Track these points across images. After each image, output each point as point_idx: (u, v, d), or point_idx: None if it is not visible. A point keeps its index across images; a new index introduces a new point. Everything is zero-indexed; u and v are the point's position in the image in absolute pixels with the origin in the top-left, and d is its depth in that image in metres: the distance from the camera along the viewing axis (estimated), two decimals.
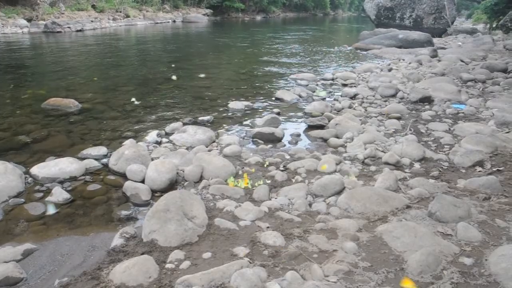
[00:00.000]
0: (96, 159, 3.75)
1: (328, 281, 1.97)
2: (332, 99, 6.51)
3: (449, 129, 4.79)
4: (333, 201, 2.94)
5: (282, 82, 8.00)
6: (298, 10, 52.86)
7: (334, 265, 2.09)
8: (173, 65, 9.46)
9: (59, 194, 3.06)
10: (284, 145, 4.39)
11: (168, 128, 4.67)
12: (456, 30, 20.66)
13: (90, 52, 12.09)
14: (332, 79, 8.06)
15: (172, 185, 3.24)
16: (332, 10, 65.46)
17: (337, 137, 4.50)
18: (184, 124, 4.81)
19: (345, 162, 3.76)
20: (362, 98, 6.37)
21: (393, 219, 2.60)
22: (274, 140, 4.44)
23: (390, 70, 9.21)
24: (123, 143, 4.08)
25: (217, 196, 3.02)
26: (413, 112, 5.61)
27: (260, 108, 5.92)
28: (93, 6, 23.49)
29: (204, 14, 32.97)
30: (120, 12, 24.68)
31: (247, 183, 3.22)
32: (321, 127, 4.86)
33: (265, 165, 3.65)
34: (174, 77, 7.70)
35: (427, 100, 6.10)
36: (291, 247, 2.28)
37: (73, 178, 3.39)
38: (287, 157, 3.90)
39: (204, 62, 10.47)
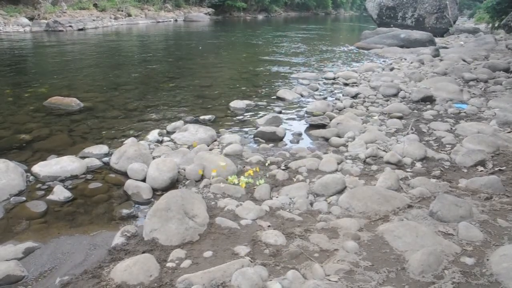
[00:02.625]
0: (97, 158, 3.75)
1: (329, 280, 1.96)
2: (333, 98, 6.51)
3: (451, 128, 4.77)
4: (334, 200, 2.94)
5: (283, 81, 8.00)
6: (300, 9, 52.76)
7: (335, 264, 2.09)
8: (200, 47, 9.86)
9: (60, 192, 3.06)
10: (286, 144, 4.38)
11: (169, 127, 4.67)
12: (458, 29, 20.60)
13: (91, 51, 12.10)
14: (334, 79, 8.05)
15: (173, 184, 3.24)
16: (334, 9, 65.30)
17: (339, 136, 4.50)
18: (186, 123, 4.81)
19: (347, 161, 3.75)
20: (363, 98, 6.36)
21: (395, 218, 2.59)
22: (275, 139, 4.44)
23: (392, 69, 9.20)
24: (125, 142, 4.08)
25: (218, 195, 3.02)
26: (415, 111, 5.60)
27: (261, 107, 5.91)
28: (95, 5, 23.49)
29: (205, 13, 32.93)
30: (122, 11, 24.67)
31: (245, 183, 3.21)
32: (323, 126, 4.86)
33: (267, 164, 3.65)
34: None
35: (429, 99, 6.09)
36: (292, 246, 2.27)
37: (74, 177, 3.39)
38: (288, 156, 3.89)
39: (206, 61, 10.47)
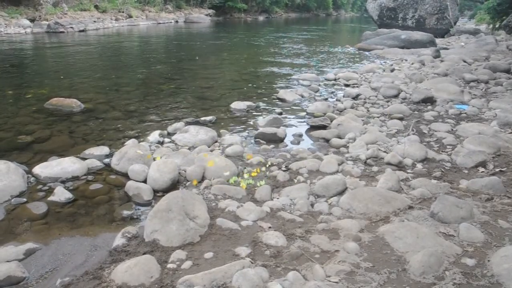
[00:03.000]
0: (98, 159, 3.76)
1: (330, 281, 1.96)
2: (334, 99, 6.51)
3: (452, 129, 4.77)
4: (335, 201, 2.94)
5: (284, 82, 8.00)
6: (300, 10, 52.82)
7: (336, 266, 2.09)
8: (197, 57, 10.56)
9: (61, 193, 3.06)
10: (286, 145, 4.38)
11: (170, 128, 4.68)
12: (459, 30, 20.60)
13: (92, 52, 12.12)
14: (335, 79, 8.06)
15: (174, 185, 3.24)
16: (335, 11, 65.39)
17: (339, 137, 4.49)
18: (186, 124, 4.81)
19: (347, 162, 3.75)
20: (364, 99, 6.36)
21: (395, 219, 2.59)
22: (276, 140, 4.44)
23: (392, 70, 9.20)
24: (125, 143, 4.09)
25: (219, 196, 3.02)
26: (416, 112, 5.60)
27: (262, 108, 5.92)
28: (96, 7, 23.54)
29: (206, 15, 32.98)
30: (123, 12, 24.71)
31: (246, 184, 3.21)
32: (323, 127, 4.86)
33: (267, 165, 3.65)
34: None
35: (429, 100, 6.09)
36: (293, 247, 2.27)
37: (75, 178, 3.39)
38: (289, 157, 3.90)
39: (207, 62, 10.48)
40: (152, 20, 26.52)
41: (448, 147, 4.17)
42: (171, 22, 28.17)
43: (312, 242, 2.34)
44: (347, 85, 7.60)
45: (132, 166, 3.42)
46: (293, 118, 5.46)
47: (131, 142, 4.11)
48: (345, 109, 5.72)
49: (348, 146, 4.20)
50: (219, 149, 4.08)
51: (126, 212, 2.90)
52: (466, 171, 3.53)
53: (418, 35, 14.16)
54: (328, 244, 2.31)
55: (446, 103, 5.98)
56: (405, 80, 7.71)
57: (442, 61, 10.30)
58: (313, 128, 4.91)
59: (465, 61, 10.03)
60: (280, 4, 45.81)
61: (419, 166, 3.63)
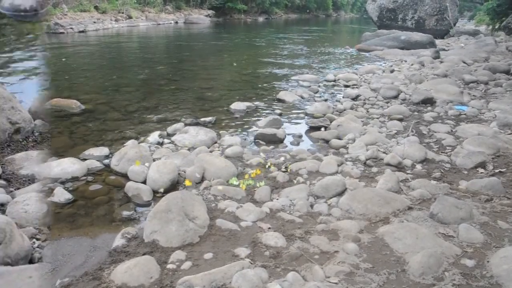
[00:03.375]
0: (98, 160, 3.75)
1: (330, 282, 1.96)
2: (334, 100, 6.52)
3: (451, 130, 4.78)
4: (335, 202, 2.94)
5: (284, 83, 8.00)
6: (300, 11, 52.83)
7: (336, 266, 2.09)
8: (234, 64, 10.50)
9: (61, 194, 3.06)
10: (286, 146, 4.39)
11: (170, 129, 4.68)
12: (459, 31, 20.63)
13: (92, 53, 12.11)
14: (334, 80, 8.06)
15: (173, 186, 3.25)
16: (335, 12, 65.37)
17: (339, 138, 4.50)
18: (186, 125, 4.81)
19: (347, 163, 3.75)
20: (364, 100, 6.36)
21: (395, 220, 2.60)
22: (276, 141, 4.44)
23: (392, 71, 9.20)
24: (125, 144, 4.09)
25: (219, 197, 3.02)
26: (415, 113, 5.60)
27: (262, 109, 5.92)
28: (96, 7, 23.53)
29: (206, 15, 32.96)
30: (123, 13, 24.70)
31: (245, 185, 3.21)
32: (323, 128, 4.86)
33: (267, 166, 3.65)
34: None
35: (429, 101, 6.09)
36: (293, 248, 2.27)
37: (75, 179, 3.39)
38: (289, 158, 3.90)
39: (206, 63, 10.48)
40: (152, 21, 26.50)
41: (447, 148, 4.18)
42: (170, 23, 28.15)
43: (312, 243, 2.34)
44: (346, 86, 7.60)
45: (132, 166, 3.42)
46: (293, 119, 5.47)
47: (130, 142, 4.12)
48: (344, 110, 5.72)
49: (347, 147, 4.21)
50: (219, 150, 4.09)
51: (125, 213, 2.90)
52: (465, 172, 3.53)
53: (417, 36, 14.17)
54: (327, 245, 2.31)
55: (445, 104, 5.99)
56: (405, 81, 7.72)
57: (441, 62, 10.30)
58: (312, 129, 4.91)
59: (464, 62, 10.03)
60: (280, 5, 45.80)
61: (418, 167, 3.64)
